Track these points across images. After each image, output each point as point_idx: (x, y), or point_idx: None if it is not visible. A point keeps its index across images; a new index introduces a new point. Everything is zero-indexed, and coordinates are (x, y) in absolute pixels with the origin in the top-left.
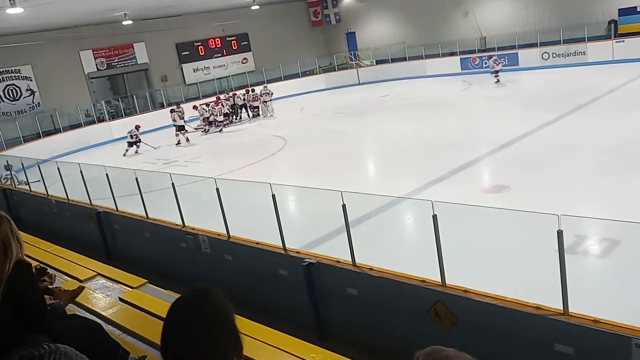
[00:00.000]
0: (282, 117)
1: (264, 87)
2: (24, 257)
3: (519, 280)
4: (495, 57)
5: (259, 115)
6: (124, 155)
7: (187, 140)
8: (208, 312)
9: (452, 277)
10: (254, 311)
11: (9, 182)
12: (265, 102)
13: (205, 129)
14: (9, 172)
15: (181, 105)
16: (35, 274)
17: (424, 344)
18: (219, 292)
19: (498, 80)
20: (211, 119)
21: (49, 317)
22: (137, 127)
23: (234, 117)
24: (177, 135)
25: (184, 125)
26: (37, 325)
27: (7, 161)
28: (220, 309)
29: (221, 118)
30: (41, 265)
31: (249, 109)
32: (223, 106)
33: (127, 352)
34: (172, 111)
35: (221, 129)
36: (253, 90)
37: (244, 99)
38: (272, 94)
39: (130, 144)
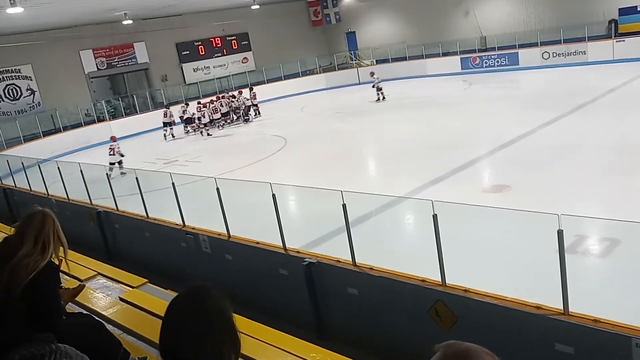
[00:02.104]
0: (282, 117)
1: (239, 92)
2: (59, 258)
3: (519, 280)
4: (377, 74)
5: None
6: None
7: (173, 136)
8: (204, 310)
9: (453, 277)
10: (254, 311)
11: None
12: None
13: (191, 129)
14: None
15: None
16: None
17: (425, 344)
18: (215, 289)
19: (379, 99)
20: (207, 118)
21: (58, 319)
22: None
23: (231, 117)
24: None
25: (170, 122)
26: (45, 326)
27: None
28: (216, 306)
29: (218, 116)
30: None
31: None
32: (222, 105)
33: (127, 352)
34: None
35: (219, 126)
36: (252, 89)
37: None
38: (243, 98)
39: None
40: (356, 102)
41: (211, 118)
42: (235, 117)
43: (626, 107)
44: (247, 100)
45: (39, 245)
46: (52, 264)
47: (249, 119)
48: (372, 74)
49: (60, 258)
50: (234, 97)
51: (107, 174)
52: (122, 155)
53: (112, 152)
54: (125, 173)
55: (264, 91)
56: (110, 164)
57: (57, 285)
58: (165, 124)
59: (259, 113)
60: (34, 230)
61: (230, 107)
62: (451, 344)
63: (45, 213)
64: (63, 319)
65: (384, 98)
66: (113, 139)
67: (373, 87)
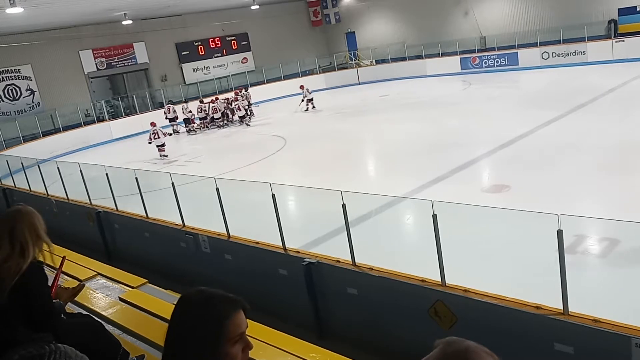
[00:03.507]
0: (282, 117)
1: (235, 93)
2: (43, 255)
3: (519, 280)
4: (306, 87)
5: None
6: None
7: (177, 132)
8: (194, 314)
9: (452, 277)
10: (254, 311)
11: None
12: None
13: (191, 129)
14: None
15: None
16: (47, 278)
17: (424, 344)
18: (211, 297)
19: (308, 108)
20: (242, 110)
21: (57, 318)
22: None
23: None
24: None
25: (174, 118)
26: (44, 326)
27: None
28: (200, 314)
29: (218, 115)
30: (80, 283)
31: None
32: (222, 106)
33: (127, 352)
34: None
35: (218, 126)
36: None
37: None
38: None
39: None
40: (356, 101)
41: (212, 117)
42: (232, 118)
43: (626, 107)
44: (243, 100)
45: (17, 247)
46: (36, 263)
47: (244, 119)
48: (301, 87)
49: (58, 257)
50: (229, 99)
51: (162, 155)
52: (171, 134)
53: (156, 136)
54: (167, 156)
55: (263, 91)
56: (158, 146)
57: (46, 284)
58: (170, 120)
59: (253, 114)
60: (7, 233)
61: (226, 107)
62: (452, 341)
63: (16, 213)
64: (63, 318)
65: (313, 107)
66: (153, 124)
67: (302, 100)
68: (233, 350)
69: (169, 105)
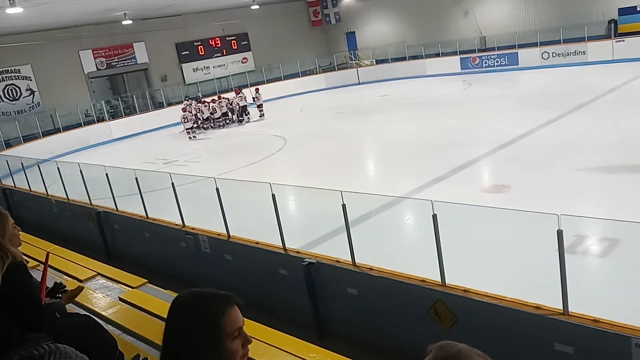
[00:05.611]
0: (282, 117)
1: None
2: (21, 259)
3: (519, 280)
4: (261, 91)
5: (242, 117)
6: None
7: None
8: (191, 313)
9: (452, 277)
10: (254, 311)
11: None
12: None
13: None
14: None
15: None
16: (31, 276)
17: (424, 344)
18: (205, 297)
19: (262, 115)
20: (206, 117)
21: (49, 316)
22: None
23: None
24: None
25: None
26: (37, 325)
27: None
28: (198, 313)
29: (218, 115)
30: (56, 282)
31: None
32: (223, 105)
33: (121, 354)
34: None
35: (218, 126)
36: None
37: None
38: (237, 99)
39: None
40: (356, 101)
41: (212, 117)
42: (232, 118)
43: (626, 106)
44: (241, 100)
45: None
46: (18, 263)
47: (243, 119)
48: (257, 89)
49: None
50: (229, 99)
51: (193, 136)
52: (195, 122)
53: (185, 120)
54: (195, 137)
55: (263, 91)
56: (187, 129)
57: (31, 282)
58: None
59: (249, 113)
60: None
61: (228, 107)
62: (444, 345)
63: None
64: (57, 317)
65: (247, 114)
66: (184, 109)
67: (257, 105)
68: (233, 346)
69: (186, 101)
